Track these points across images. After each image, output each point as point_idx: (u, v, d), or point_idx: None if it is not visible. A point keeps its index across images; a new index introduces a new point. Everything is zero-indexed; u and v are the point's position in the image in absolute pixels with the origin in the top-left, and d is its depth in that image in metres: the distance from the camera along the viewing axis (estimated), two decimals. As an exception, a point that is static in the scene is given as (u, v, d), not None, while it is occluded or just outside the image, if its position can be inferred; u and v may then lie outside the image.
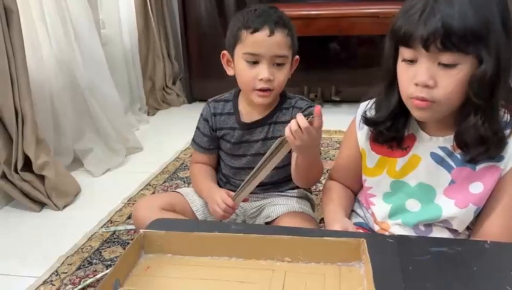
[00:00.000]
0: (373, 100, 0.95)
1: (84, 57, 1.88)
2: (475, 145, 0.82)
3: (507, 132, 0.82)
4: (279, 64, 1.10)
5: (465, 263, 0.71)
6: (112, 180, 1.87)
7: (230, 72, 1.18)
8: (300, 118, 0.91)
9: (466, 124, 0.81)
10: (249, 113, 1.21)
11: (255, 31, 1.08)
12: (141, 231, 0.76)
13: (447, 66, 0.77)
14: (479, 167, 0.85)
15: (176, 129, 2.53)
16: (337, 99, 2.72)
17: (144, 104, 2.73)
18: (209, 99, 1.28)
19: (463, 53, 0.76)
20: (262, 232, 0.75)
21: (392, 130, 0.90)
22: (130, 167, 2.02)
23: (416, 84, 0.79)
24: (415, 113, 0.84)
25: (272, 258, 0.73)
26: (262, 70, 1.08)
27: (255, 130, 1.20)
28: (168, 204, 1.21)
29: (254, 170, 1.03)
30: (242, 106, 1.22)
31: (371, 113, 0.94)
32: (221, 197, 1.10)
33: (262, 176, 1.03)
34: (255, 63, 1.09)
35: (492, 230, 0.86)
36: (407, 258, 0.72)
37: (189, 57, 2.97)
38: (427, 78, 0.78)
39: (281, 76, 1.11)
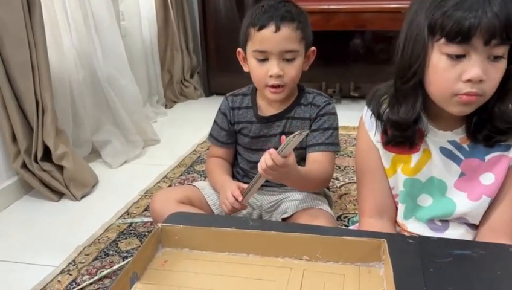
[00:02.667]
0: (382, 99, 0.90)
1: (104, 49, 1.90)
2: (503, 131, 0.81)
3: None
4: (289, 60, 1.09)
5: (489, 267, 0.69)
6: (129, 172, 1.89)
7: (246, 68, 1.19)
8: (267, 159, 0.92)
9: (497, 111, 0.80)
10: (266, 107, 1.20)
11: (261, 28, 1.07)
12: (159, 224, 0.75)
13: (495, 58, 0.75)
14: (488, 157, 0.84)
15: (193, 122, 2.53)
16: (356, 95, 2.68)
17: (161, 96, 2.74)
18: (227, 94, 1.28)
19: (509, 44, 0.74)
20: (280, 229, 0.74)
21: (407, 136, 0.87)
22: (148, 159, 2.03)
23: (468, 81, 0.75)
24: (457, 109, 0.80)
25: (290, 256, 0.72)
26: (272, 67, 1.08)
27: (272, 124, 1.20)
28: (185, 197, 1.21)
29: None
30: (260, 100, 1.22)
31: (386, 113, 0.89)
32: (232, 191, 1.09)
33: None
34: (265, 60, 1.09)
35: (501, 222, 0.84)
36: (429, 260, 0.70)
37: (207, 50, 2.97)
38: (482, 73, 0.74)
39: (292, 71, 1.10)
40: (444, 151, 0.87)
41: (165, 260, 0.73)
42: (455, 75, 0.76)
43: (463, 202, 0.87)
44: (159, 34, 2.68)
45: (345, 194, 1.59)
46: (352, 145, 2.02)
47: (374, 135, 0.92)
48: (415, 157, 0.90)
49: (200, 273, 0.69)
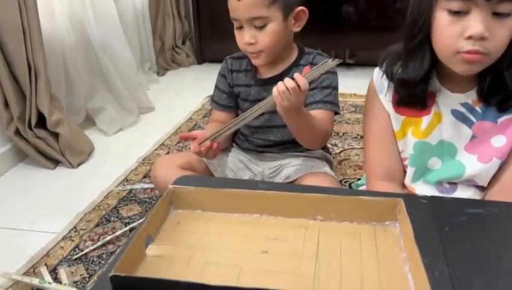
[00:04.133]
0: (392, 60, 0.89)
1: (96, 13, 1.83)
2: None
3: None
4: (260, 27, 1.06)
5: (503, 225, 0.69)
6: (125, 140, 1.86)
7: None
8: (288, 80, 0.91)
9: (510, 74, 0.78)
10: (265, 69, 1.18)
11: None
12: (170, 186, 0.74)
13: (500, 15, 0.73)
14: (500, 120, 0.84)
15: (187, 90, 2.49)
16: (351, 62, 2.66)
17: (153, 63, 2.68)
18: (227, 56, 1.26)
19: None
20: (290, 190, 0.73)
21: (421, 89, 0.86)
22: (143, 126, 2.00)
23: (469, 38, 0.74)
24: (461, 68, 0.79)
25: (304, 217, 0.71)
26: (244, 35, 1.07)
27: (271, 86, 1.17)
28: (187, 163, 1.20)
29: (237, 118, 1.03)
30: None
31: (398, 73, 0.88)
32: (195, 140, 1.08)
33: (237, 127, 1.05)
34: (241, 27, 1.08)
35: (510, 183, 0.84)
36: (443, 219, 0.70)
37: (199, 16, 2.89)
38: (484, 30, 0.73)
39: (265, 38, 1.07)
40: (456, 113, 0.86)
41: (177, 221, 0.72)
42: (457, 31, 0.75)
43: (473, 165, 0.87)
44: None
45: (345, 159, 1.59)
46: (350, 112, 2.01)
47: (384, 95, 0.91)
48: (425, 120, 0.89)
49: (214, 234, 0.69)
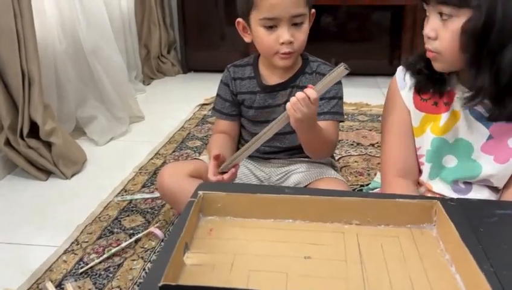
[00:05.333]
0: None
1: (87, 17, 1.78)
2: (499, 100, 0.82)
3: None
4: (297, 24, 1.06)
5: (535, 225, 0.70)
6: (118, 150, 1.81)
7: (247, 39, 1.15)
8: (298, 93, 0.93)
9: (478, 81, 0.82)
10: (270, 76, 1.18)
11: None
12: (200, 192, 0.72)
13: (444, 16, 0.80)
14: None
15: (175, 99, 2.46)
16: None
17: (139, 72, 2.64)
18: (229, 65, 1.25)
19: (457, 7, 0.78)
20: (321, 195, 0.72)
21: (430, 71, 0.90)
22: (134, 136, 1.95)
23: (427, 37, 0.84)
24: (433, 65, 0.87)
25: (339, 221, 0.70)
26: (283, 34, 1.05)
27: (277, 93, 1.17)
28: (195, 171, 1.18)
29: (253, 140, 1.01)
30: (263, 69, 1.19)
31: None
32: (209, 173, 1.04)
33: (256, 147, 1.03)
34: (274, 27, 1.06)
35: None
36: (476, 220, 0.70)
37: (184, 25, 2.87)
38: (428, 30, 0.83)
39: (302, 35, 1.07)
40: (473, 113, 0.88)
41: (210, 228, 0.70)
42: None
43: (489, 165, 0.89)
44: (136, 6, 2.56)
45: (344, 166, 1.59)
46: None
47: (408, 90, 0.94)
48: (444, 117, 0.91)
49: (251, 240, 0.67)
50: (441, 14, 0.80)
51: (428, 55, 0.85)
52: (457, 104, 0.89)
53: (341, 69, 0.89)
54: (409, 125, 0.95)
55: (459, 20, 0.78)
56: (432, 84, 0.90)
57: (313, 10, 1.12)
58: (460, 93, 0.88)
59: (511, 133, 0.87)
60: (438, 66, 0.86)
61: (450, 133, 0.91)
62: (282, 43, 1.05)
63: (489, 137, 0.88)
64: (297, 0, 1.04)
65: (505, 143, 0.87)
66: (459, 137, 0.90)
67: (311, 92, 0.92)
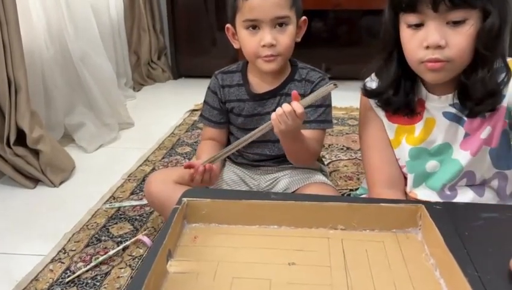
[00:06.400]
0: (373, 73, 0.95)
1: (75, 24, 1.77)
2: (483, 98, 0.83)
3: (502, 75, 0.83)
4: (281, 27, 1.05)
5: (520, 228, 0.70)
6: (107, 157, 1.79)
7: (236, 45, 1.14)
8: (285, 105, 0.93)
9: (474, 79, 0.82)
10: (259, 84, 1.16)
11: None
12: (184, 199, 0.71)
13: (456, 23, 0.78)
14: (487, 113, 0.87)
15: (165, 105, 2.45)
16: (328, 76, 2.69)
17: (129, 79, 2.63)
18: (216, 71, 1.23)
19: (470, 8, 0.77)
20: (306, 200, 0.72)
21: (400, 96, 0.90)
22: (123, 142, 1.93)
23: (427, 47, 0.79)
24: (428, 76, 0.84)
25: (325, 226, 0.70)
26: (264, 36, 1.04)
27: (266, 101, 1.16)
28: (182, 178, 1.16)
29: (234, 144, 1.05)
30: (251, 77, 1.17)
31: (373, 86, 0.95)
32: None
33: (233, 150, 1.08)
34: (255, 28, 1.05)
35: None
36: (462, 224, 0.70)
37: (175, 31, 2.87)
38: (439, 38, 0.78)
39: (286, 39, 1.06)
40: (447, 115, 0.89)
41: (194, 236, 0.69)
42: (417, 42, 0.81)
43: (466, 160, 0.90)
44: (126, 12, 2.55)
45: (334, 171, 1.59)
46: (334, 124, 2.03)
47: (376, 106, 0.95)
48: (418, 127, 0.92)
49: (236, 247, 0.66)
50: (447, 22, 0.78)
51: (434, 66, 0.80)
52: (430, 112, 0.90)
53: (330, 86, 0.92)
54: (386, 136, 0.96)
55: (471, 22, 0.78)
56: (403, 107, 0.91)
57: (304, 17, 1.12)
58: (435, 101, 0.89)
59: (482, 127, 0.87)
60: (441, 76, 0.82)
61: (428, 140, 0.91)
62: (264, 46, 1.04)
63: (466, 134, 0.89)
64: (280, 2, 1.03)
65: (478, 137, 0.88)
66: (439, 142, 0.91)
67: (298, 106, 0.93)
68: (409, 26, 0.81)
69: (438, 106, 0.90)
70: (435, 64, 0.80)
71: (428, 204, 0.77)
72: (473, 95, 0.83)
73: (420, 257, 0.64)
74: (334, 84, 0.90)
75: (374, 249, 0.65)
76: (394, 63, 0.89)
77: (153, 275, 0.54)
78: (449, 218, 0.72)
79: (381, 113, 0.96)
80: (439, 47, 0.78)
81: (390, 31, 0.87)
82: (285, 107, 0.93)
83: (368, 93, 0.95)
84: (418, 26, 0.80)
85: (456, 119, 0.89)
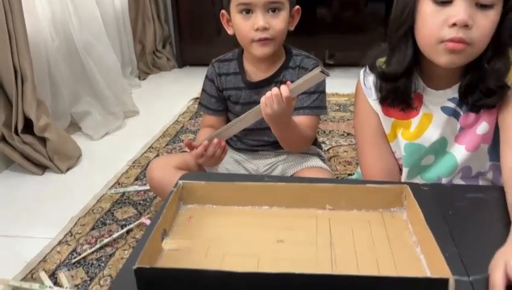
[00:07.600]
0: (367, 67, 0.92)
1: (79, 14, 1.81)
2: (495, 90, 0.81)
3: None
4: (274, 11, 1.06)
5: (503, 208, 0.72)
6: (112, 144, 1.84)
7: (230, 31, 1.15)
8: (274, 88, 0.93)
9: (492, 68, 0.80)
10: (254, 72, 1.18)
11: None
12: (180, 181, 0.75)
13: (483, 7, 0.76)
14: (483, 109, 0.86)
15: (170, 93, 2.49)
16: (331, 62, 2.70)
17: (135, 67, 2.66)
18: (213, 60, 1.24)
19: None
20: (297, 182, 0.75)
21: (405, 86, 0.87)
22: (129, 130, 1.98)
23: (453, 25, 0.76)
24: (444, 59, 0.79)
25: (313, 207, 0.73)
26: (257, 20, 1.05)
27: (262, 89, 1.17)
28: (183, 163, 1.20)
29: (226, 126, 1.06)
30: (247, 65, 1.19)
31: (369, 80, 0.92)
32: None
33: (228, 134, 1.09)
34: (249, 12, 1.06)
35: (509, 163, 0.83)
36: (446, 204, 0.73)
37: (179, 20, 2.89)
38: (467, 17, 0.75)
39: (278, 23, 1.07)
40: (446, 110, 0.88)
41: (189, 216, 0.73)
42: (441, 20, 0.77)
43: (462, 154, 0.90)
44: (130, 2, 2.58)
45: (334, 156, 1.62)
46: (334, 111, 2.05)
47: (373, 99, 0.93)
48: (414, 122, 0.91)
49: (228, 227, 0.70)
50: (476, 3, 0.76)
51: (456, 47, 0.77)
52: (427, 107, 0.89)
53: (317, 71, 0.88)
54: (382, 130, 0.95)
55: (497, 9, 0.77)
56: (399, 100, 0.89)
57: (298, 6, 1.13)
58: (433, 95, 0.88)
59: (478, 122, 0.88)
60: (458, 60, 0.79)
61: (424, 136, 0.90)
62: (257, 29, 1.05)
63: (461, 128, 0.89)
64: None
65: (473, 131, 0.88)
66: (435, 138, 0.90)
67: (285, 89, 0.92)
68: (435, 1, 0.78)
69: (436, 100, 0.88)
70: (457, 45, 0.76)
71: (413, 185, 0.80)
72: (483, 87, 0.82)
73: (403, 235, 0.67)
74: (322, 71, 0.87)
75: (360, 227, 0.68)
76: (411, 45, 0.84)
77: (147, 251, 0.58)
78: (435, 198, 0.75)
79: (377, 107, 0.94)
80: (466, 26, 0.75)
81: (410, 5, 0.81)
82: (274, 90, 0.93)
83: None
84: (444, 3, 0.77)
85: (454, 114, 0.88)
